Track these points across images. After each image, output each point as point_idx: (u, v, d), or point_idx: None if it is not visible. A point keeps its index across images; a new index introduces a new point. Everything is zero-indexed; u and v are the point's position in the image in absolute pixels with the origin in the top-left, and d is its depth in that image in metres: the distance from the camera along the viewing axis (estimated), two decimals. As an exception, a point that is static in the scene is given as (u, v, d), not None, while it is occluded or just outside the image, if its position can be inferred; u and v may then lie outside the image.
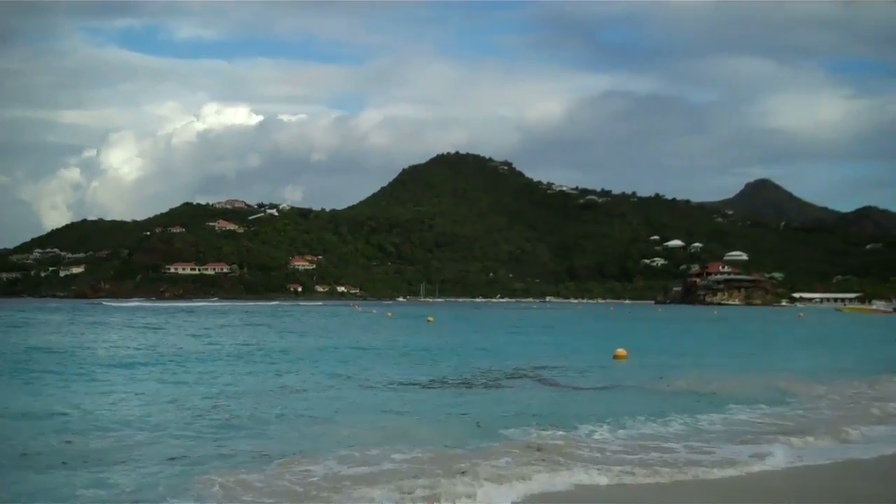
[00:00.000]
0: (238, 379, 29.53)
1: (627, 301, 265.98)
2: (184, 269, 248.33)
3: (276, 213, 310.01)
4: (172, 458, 15.38)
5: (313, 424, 19.69)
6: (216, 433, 18.21)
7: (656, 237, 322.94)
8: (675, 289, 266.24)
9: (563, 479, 14.12)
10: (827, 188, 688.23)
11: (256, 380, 29.57)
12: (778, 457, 16.20)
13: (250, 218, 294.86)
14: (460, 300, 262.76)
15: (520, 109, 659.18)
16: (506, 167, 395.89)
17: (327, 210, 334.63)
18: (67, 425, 18.88)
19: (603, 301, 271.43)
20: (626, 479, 14.31)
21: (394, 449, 16.12)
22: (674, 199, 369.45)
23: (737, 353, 47.24)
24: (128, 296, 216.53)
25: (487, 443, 17.07)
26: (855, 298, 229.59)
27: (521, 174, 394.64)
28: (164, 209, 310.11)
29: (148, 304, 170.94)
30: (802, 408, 23.45)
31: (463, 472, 14.00)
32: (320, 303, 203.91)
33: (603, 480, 14.18)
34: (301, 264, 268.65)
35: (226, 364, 35.33)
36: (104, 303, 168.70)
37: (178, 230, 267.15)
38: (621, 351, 41.35)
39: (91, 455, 15.64)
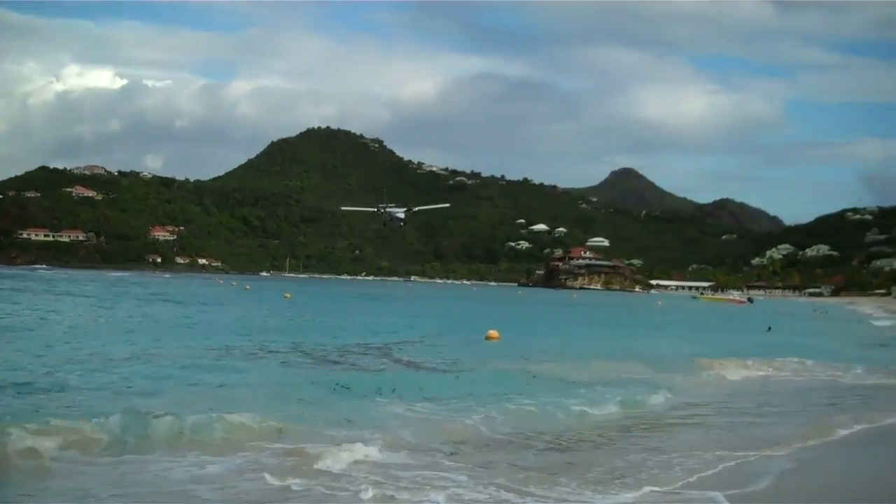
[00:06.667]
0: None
1: (492, 283, 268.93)
2: (37, 234, 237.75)
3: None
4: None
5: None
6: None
7: (522, 221, 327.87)
8: (538, 272, 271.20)
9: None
10: (687, 179, 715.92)
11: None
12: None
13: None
14: (325, 277, 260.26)
15: (393, 87, 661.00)
16: (376, 144, 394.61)
17: (191, 180, 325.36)
18: None
19: (468, 282, 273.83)
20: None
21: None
22: (541, 184, 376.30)
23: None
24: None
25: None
26: (708, 287, 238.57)
27: (391, 152, 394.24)
28: (19, 172, 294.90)
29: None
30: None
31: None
32: (168, 275, 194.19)
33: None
34: (161, 234, 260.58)
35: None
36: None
37: (32, 195, 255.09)
38: (493, 332, 41.04)
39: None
